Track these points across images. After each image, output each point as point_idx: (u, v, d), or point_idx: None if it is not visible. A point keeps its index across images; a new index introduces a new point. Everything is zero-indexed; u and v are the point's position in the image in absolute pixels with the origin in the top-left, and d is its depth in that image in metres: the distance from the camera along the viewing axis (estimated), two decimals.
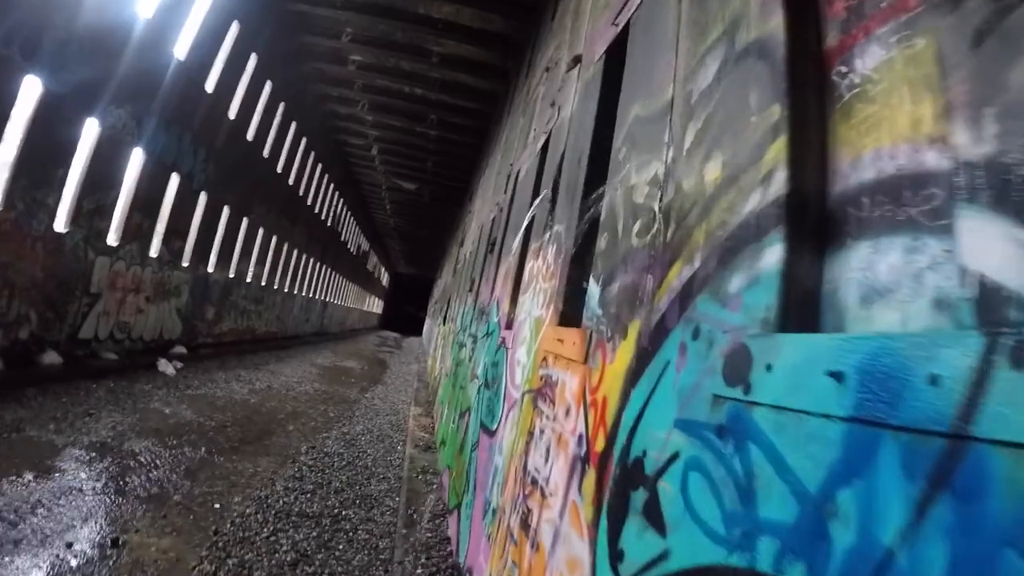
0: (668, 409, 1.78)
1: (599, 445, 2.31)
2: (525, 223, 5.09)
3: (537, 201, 4.64)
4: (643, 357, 2.03)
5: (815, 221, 1.50)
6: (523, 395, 3.81)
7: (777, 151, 1.54)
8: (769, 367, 1.40)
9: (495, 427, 4.56)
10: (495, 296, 6.79)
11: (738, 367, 1.49)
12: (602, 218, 2.96)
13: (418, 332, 43.34)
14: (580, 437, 2.52)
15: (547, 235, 4.17)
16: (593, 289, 2.85)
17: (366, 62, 17.44)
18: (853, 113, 1.50)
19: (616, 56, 3.47)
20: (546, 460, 2.95)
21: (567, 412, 2.77)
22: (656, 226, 2.16)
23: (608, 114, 3.32)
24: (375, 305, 64.10)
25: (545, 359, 3.42)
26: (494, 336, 5.84)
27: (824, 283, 1.47)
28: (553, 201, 4.24)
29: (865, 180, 1.44)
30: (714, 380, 1.58)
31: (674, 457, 1.71)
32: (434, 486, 7.42)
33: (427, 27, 14.41)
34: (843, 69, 1.56)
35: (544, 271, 3.98)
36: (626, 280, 2.38)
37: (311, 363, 19.41)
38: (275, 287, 23.70)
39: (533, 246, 4.65)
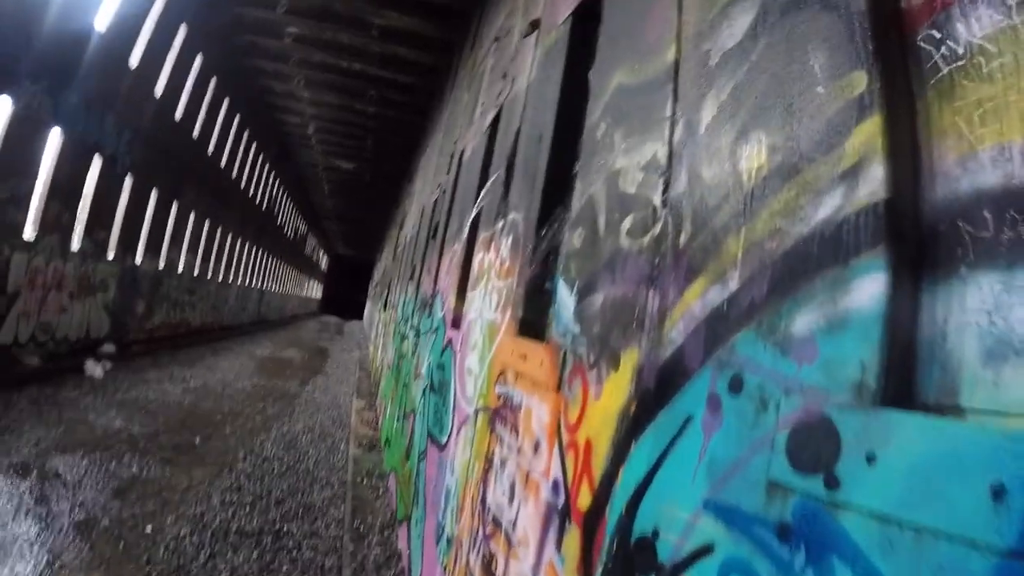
0: (692, 482, 1.32)
1: (583, 500, 1.83)
2: (474, 210, 4.53)
3: (488, 185, 4.09)
4: (647, 401, 1.55)
5: (915, 240, 1.04)
6: (476, 412, 3.31)
7: (867, 137, 1.07)
8: (871, 458, 0.94)
9: (445, 440, 4.05)
10: (439, 288, 6.23)
11: (816, 449, 1.03)
12: (575, 208, 2.47)
13: (359, 316, 42.17)
14: (556, 484, 2.04)
15: (500, 224, 3.64)
16: (565, 297, 2.35)
17: (302, 34, 16.14)
18: (958, 93, 1.04)
19: (587, 16, 2.95)
20: (511, 500, 2.46)
21: (535, 447, 2.29)
22: (660, 225, 1.68)
23: (578, 84, 2.81)
24: (315, 290, 62.45)
25: (503, 374, 2.92)
26: (439, 335, 5.29)
27: (922, 328, 1.02)
28: (507, 184, 3.71)
29: (985, 186, 0.98)
30: (772, 460, 1.11)
31: (705, 551, 1.25)
32: (381, 491, 6.93)
33: None
34: (935, 34, 1.09)
35: (498, 266, 3.46)
36: (615, 292, 1.89)
37: (249, 355, 18.42)
38: (209, 276, 22.46)
39: (483, 235, 4.11)
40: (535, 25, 3.97)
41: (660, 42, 1.93)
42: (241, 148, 22.81)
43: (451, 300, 5.09)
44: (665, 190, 1.69)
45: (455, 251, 5.79)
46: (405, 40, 14.96)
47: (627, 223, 1.91)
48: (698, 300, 1.41)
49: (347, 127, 23.06)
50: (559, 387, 2.15)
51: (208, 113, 18.40)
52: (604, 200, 2.14)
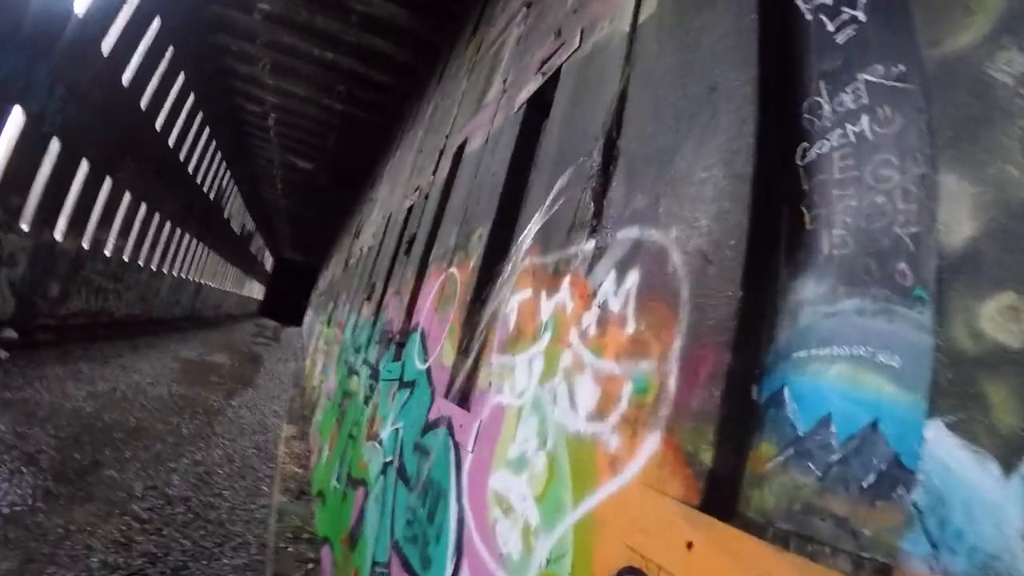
0: None
1: None
2: (531, 225, 2.86)
3: (560, 183, 2.43)
4: None
5: None
6: None
7: None
8: None
9: None
10: (420, 324, 4.49)
11: None
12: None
13: (299, 322, 39.60)
14: None
15: (591, 244, 2.01)
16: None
17: (275, 12, 14.25)
18: None
19: None
20: None
21: None
22: None
23: None
24: (255, 290, 59.96)
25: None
26: (419, 398, 3.55)
27: None
28: (605, 177, 2.08)
29: None
30: None
31: None
32: (310, 567, 5.17)
33: None
34: None
35: (600, 327, 1.82)
36: None
37: (174, 356, 16.16)
38: (141, 263, 20.23)
39: (541, 262, 2.45)
40: None
41: None
42: (193, 129, 20.57)
43: (447, 351, 3.37)
44: None
45: (450, 277, 4.10)
46: (386, 32, 13.29)
47: None
48: None
49: (310, 123, 21.05)
50: None
51: (161, 84, 16.20)
52: None
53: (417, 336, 4.37)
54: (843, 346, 1.30)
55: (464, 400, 2.77)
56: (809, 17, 1.60)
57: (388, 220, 9.10)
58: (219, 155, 25.58)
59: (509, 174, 3.58)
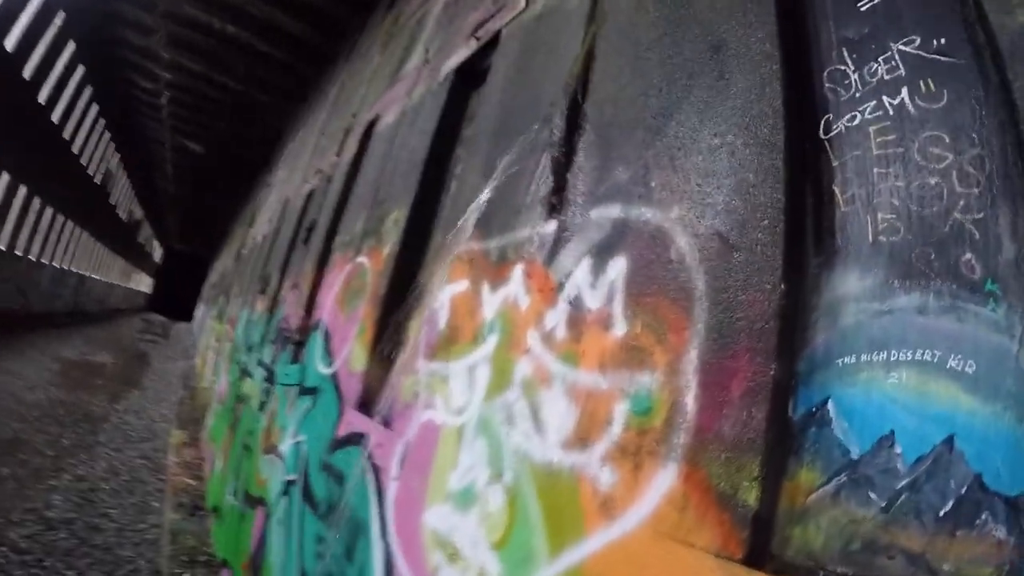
0: None
1: None
2: (473, 205, 2.44)
3: (511, 153, 2.03)
4: None
5: None
6: None
7: None
8: None
9: None
10: (320, 320, 3.95)
11: None
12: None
13: (189, 317, 36.65)
14: None
15: (551, 225, 1.66)
16: None
17: None
18: None
19: None
20: None
21: None
22: None
23: None
24: (143, 283, 56.53)
25: None
26: (325, 411, 3.03)
27: None
28: (568, 146, 1.74)
29: None
30: None
31: None
32: None
33: None
34: None
35: (568, 327, 1.47)
36: None
37: (54, 356, 14.31)
38: (18, 252, 18.36)
39: (477, 247, 2.06)
40: None
41: None
42: (80, 105, 18.46)
43: (356, 354, 2.88)
44: None
45: (358, 267, 3.61)
46: (292, 7, 12.24)
47: None
48: None
49: (204, 102, 19.18)
50: None
51: (47, 54, 14.13)
52: None
53: (319, 335, 3.83)
54: (903, 350, 1.05)
55: (382, 414, 2.32)
56: None
57: (285, 206, 8.31)
58: (107, 135, 23.24)
59: (432, 149, 3.17)
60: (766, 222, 1.12)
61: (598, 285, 1.41)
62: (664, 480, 1.06)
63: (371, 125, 4.95)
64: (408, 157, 3.49)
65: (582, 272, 1.47)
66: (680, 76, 1.47)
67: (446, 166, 3.24)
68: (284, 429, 3.85)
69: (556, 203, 1.66)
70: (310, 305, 4.64)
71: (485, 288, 1.85)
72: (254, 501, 4.12)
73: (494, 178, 2.09)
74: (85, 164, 22.07)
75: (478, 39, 2.92)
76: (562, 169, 1.67)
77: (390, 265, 3.01)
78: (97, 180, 24.64)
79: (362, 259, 3.63)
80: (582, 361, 1.37)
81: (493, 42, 2.86)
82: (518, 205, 1.85)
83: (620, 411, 1.20)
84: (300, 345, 4.48)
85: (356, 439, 2.43)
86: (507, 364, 1.60)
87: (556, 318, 1.49)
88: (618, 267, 1.39)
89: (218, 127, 20.86)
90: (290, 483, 3.31)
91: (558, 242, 1.58)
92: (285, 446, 3.68)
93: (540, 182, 1.76)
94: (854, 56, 1.30)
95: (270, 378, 5.01)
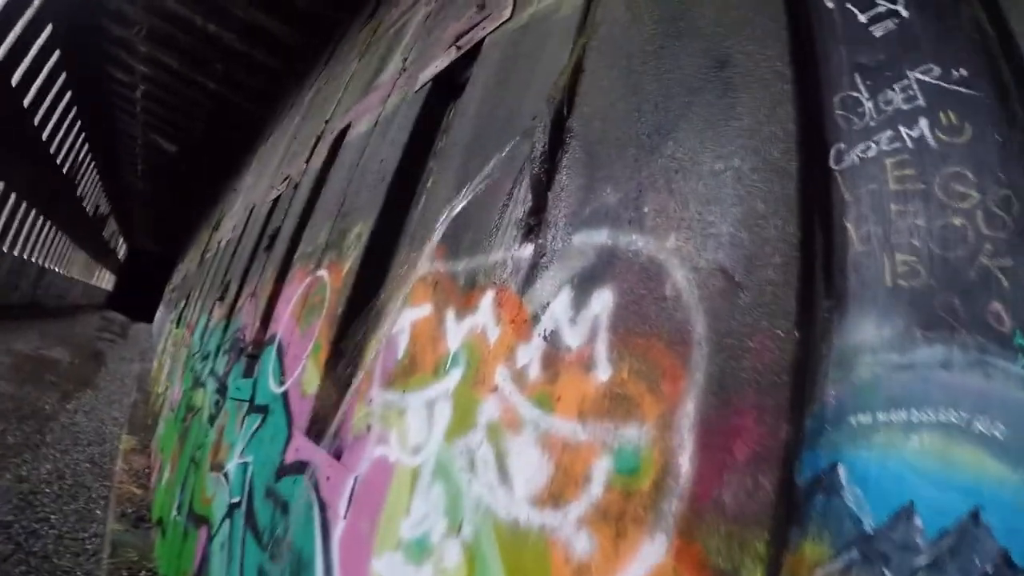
0: None
1: None
2: (446, 213, 2.27)
3: (486, 168, 1.88)
4: None
5: None
6: None
7: None
8: None
9: None
10: (276, 334, 3.72)
11: None
12: None
13: (150, 319, 35.47)
14: None
15: (527, 249, 1.51)
16: None
17: None
18: None
19: None
20: None
21: None
22: None
23: None
24: (105, 280, 54.86)
25: None
26: (274, 432, 2.80)
27: None
28: (551, 163, 1.59)
29: None
30: None
31: None
32: None
33: None
34: None
35: (543, 366, 1.32)
36: None
37: (6, 348, 13.76)
38: None
39: (444, 268, 1.90)
40: None
41: None
42: (54, 91, 17.62)
43: (309, 374, 2.67)
44: None
45: (318, 281, 3.41)
46: (276, 9, 11.99)
47: None
48: None
49: (180, 101, 18.74)
50: None
51: (23, 34, 13.50)
52: None
53: (273, 350, 3.59)
54: (925, 409, 0.95)
55: (333, 444, 2.11)
56: (830, 5, 1.31)
57: (251, 213, 8.02)
58: (78, 124, 22.41)
59: (403, 161, 3.01)
60: (778, 259, 0.99)
61: (579, 320, 1.26)
62: (651, 553, 0.91)
63: (343, 133, 4.78)
64: (377, 168, 3.32)
65: (561, 304, 1.31)
66: (678, 92, 1.35)
67: (417, 179, 3.08)
68: (232, 447, 3.59)
69: (534, 225, 1.51)
70: (267, 317, 4.39)
71: (450, 315, 1.68)
72: (198, 520, 3.84)
73: (464, 195, 1.93)
74: (54, 152, 21.33)
75: (459, 48, 2.78)
76: (542, 188, 1.52)
77: (349, 281, 2.81)
78: (65, 170, 23.87)
79: (322, 273, 3.43)
80: (558, 406, 1.21)
81: (474, 52, 2.73)
82: (491, 225, 1.69)
83: (601, 468, 1.04)
84: (254, 359, 4.23)
85: (303, 468, 2.22)
86: (471, 402, 1.43)
87: (529, 354, 1.33)
88: (603, 301, 1.24)
89: (194, 128, 20.41)
90: (234, 506, 3.06)
91: (535, 268, 1.43)
92: (232, 465, 3.41)
93: (517, 201, 1.61)
94: (868, 83, 1.23)
95: (222, 390, 4.72)
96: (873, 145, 1.15)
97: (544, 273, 1.40)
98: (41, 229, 24.60)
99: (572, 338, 1.25)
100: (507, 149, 1.77)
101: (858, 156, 1.15)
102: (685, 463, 0.92)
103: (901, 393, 0.95)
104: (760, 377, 0.92)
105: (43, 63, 16.05)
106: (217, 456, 3.98)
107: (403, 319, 1.98)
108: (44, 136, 19.43)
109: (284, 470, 2.44)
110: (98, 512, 5.79)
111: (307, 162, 5.68)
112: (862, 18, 1.29)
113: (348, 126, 4.70)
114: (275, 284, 4.59)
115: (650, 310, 1.15)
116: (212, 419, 4.69)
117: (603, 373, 1.16)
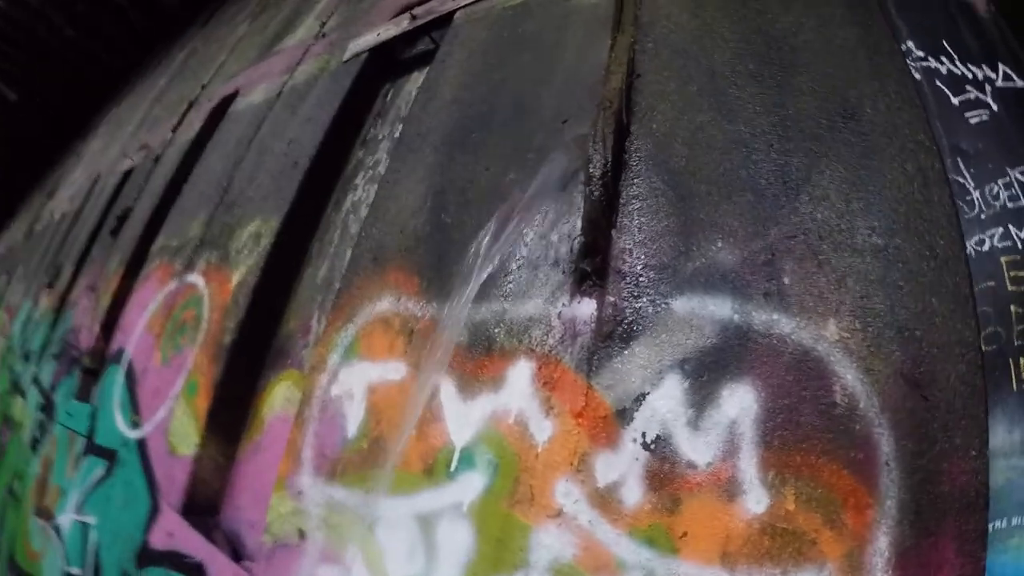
0: None
1: None
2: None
3: (506, 180, 1.38)
4: None
5: None
6: None
7: None
8: None
9: None
10: (123, 348, 2.90)
11: None
12: None
13: None
14: None
15: (586, 306, 1.07)
16: None
17: None
18: None
19: None
20: None
21: None
22: None
23: None
24: None
25: None
26: (130, 494, 2.05)
27: None
28: (611, 191, 1.16)
29: None
30: None
31: None
32: None
33: None
34: None
35: (646, 486, 0.88)
36: None
37: None
38: None
39: (428, 312, 1.38)
40: None
41: None
42: None
43: (180, 423, 1.97)
44: None
45: (191, 289, 2.66)
46: None
47: None
48: None
49: (30, 43, 15.62)
50: None
51: None
52: None
53: (120, 372, 2.76)
54: None
55: (230, 540, 1.49)
56: (918, 76, 1.15)
57: (95, 183, 6.67)
58: None
59: (324, 146, 2.41)
60: (962, 366, 0.84)
61: (705, 425, 0.86)
62: None
63: (226, 101, 3.94)
64: (285, 150, 2.66)
65: (668, 399, 0.90)
66: (796, 135, 1.00)
67: (340, 171, 2.49)
68: (64, 494, 2.71)
69: (589, 271, 1.07)
70: (110, 321, 3.45)
71: (448, 387, 1.18)
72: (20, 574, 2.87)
73: (450, 205, 1.44)
74: None
75: (415, 18, 2.24)
76: (602, 221, 1.09)
77: (243, 299, 2.15)
78: None
79: (195, 279, 2.67)
80: (683, 546, 0.80)
81: (433, 26, 2.21)
82: (511, 258, 1.22)
83: None
84: (92, 375, 3.29)
85: (183, 564, 1.56)
86: (512, 529, 0.95)
87: (620, 468, 0.90)
88: (740, 400, 0.86)
89: (40, 75, 17.17)
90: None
91: (608, 338, 0.99)
92: (65, 520, 2.55)
93: (557, 231, 1.15)
94: (971, 171, 1.17)
95: (48, 408, 3.68)
96: (987, 240, 1.09)
97: (627, 347, 0.97)
98: None
99: (696, 450, 0.86)
100: (529, 156, 1.31)
101: (974, 249, 1.07)
102: None
103: None
104: (955, 501, 0.82)
105: None
106: (43, 499, 3.03)
107: (349, 376, 1.42)
108: None
109: (150, 557, 1.74)
110: None
111: (174, 131, 4.70)
112: (955, 101, 1.23)
113: (235, 93, 3.89)
114: (122, 280, 3.66)
115: (814, 419, 0.83)
116: (36, 445, 3.63)
117: (755, 502, 0.80)
